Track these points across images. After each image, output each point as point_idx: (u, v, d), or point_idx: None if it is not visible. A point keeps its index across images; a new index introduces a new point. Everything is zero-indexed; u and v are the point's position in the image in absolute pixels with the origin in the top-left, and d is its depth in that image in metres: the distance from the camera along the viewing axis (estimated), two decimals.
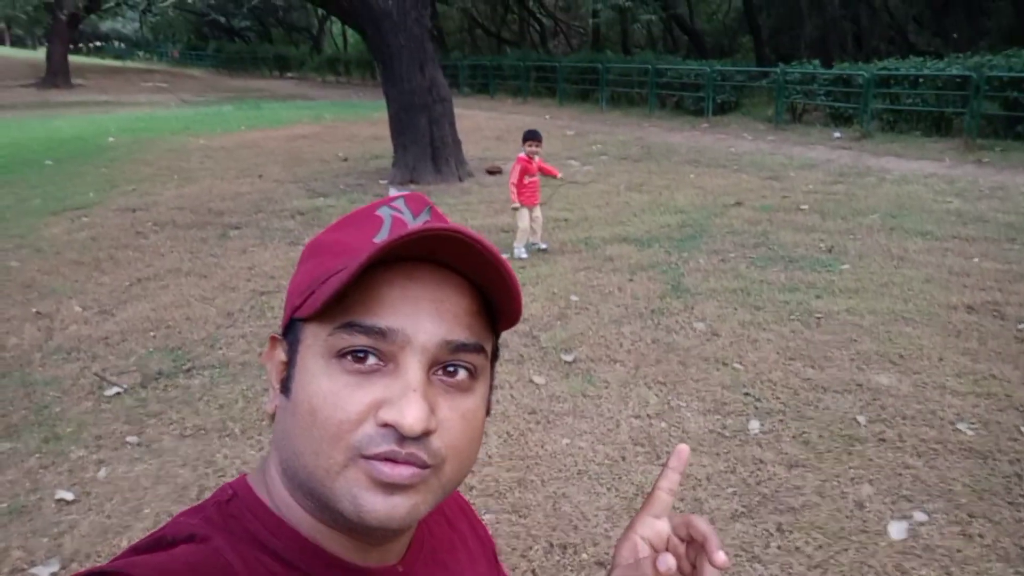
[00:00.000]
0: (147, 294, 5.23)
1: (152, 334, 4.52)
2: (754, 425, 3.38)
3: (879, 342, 4.21)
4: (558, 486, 2.97)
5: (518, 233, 6.03)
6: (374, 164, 10.62)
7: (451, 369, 0.55)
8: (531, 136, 6.03)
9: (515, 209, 6.07)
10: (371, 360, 0.53)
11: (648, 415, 3.48)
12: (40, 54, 34.99)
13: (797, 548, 2.58)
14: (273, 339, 0.63)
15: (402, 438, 0.51)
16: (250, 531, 0.58)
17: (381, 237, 0.58)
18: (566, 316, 4.70)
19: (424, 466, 0.53)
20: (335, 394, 0.53)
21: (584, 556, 2.57)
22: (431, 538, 0.71)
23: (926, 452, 3.15)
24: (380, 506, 0.53)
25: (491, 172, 9.93)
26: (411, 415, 0.51)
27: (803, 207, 7.50)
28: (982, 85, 11.08)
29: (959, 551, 2.56)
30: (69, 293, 5.27)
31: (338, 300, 0.53)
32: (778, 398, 3.61)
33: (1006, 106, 11.21)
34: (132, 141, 13.32)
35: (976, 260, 5.62)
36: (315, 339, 0.55)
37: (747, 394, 3.66)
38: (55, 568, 2.51)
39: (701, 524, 0.62)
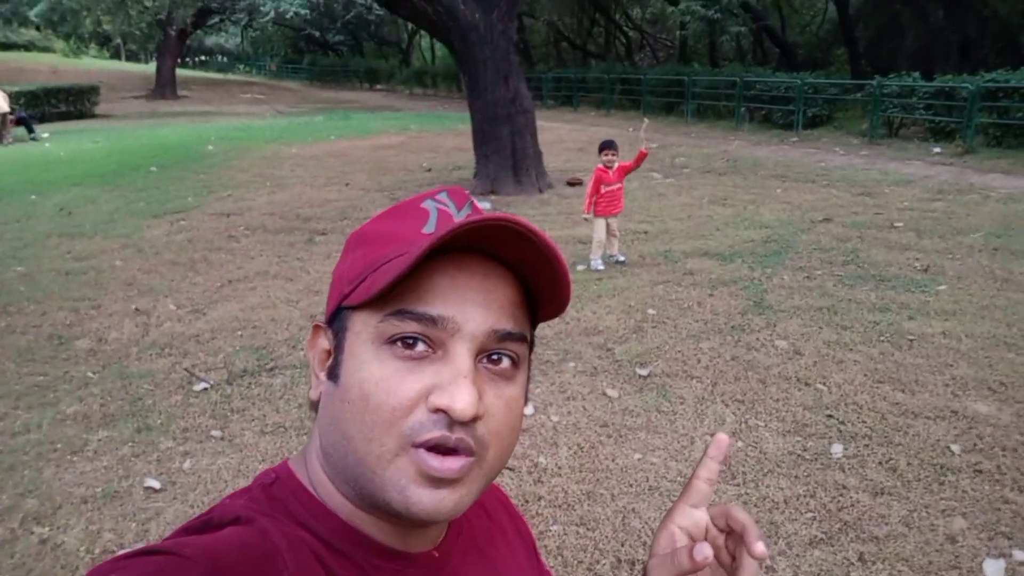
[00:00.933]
0: (236, 295, 5.46)
1: (239, 333, 4.71)
2: (837, 449, 3.23)
3: (977, 368, 3.96)
4: (628, 501, 2.91)
5: (593, 244, 5.99)
6: (456, 175, 10.78)
7: (495, 357, 0.57)
8: (606, 146, 5.99)
9: (587, 220, 6.04)
10: (420, 347, 0.54)
11: (725, 433, 3.38)
12: (151, 68, 37.26)
13: None
14: (317, 327, 0.64)
15: (452, 423, 0.53)
16: (292, 513, 0.59)
17: (429, 228, 0.60)
18: (642, 330, 4.63)
19: (471, 453, 0.54)
20: (387, 379, 0.54)
21: None
22: (468, 525, 0.71)
23: None
24: (427, 499, 0.54)
25: (571, 184, 9.92)
26: (462, 400, 0.52)
27: (897, 224, 7.16)
28: None
29: None
30: (165, 292, 5.56)
31: (389, 288, 0.54)
32: (864, 422, 3.44)
33: None
34: (229, 149, 13.99)
35: None
36: (364, 326, 0.56)
37: (830, 416, 3.50)
38: None
39: (740, 514, 0.61)
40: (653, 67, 25.43)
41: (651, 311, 4.93)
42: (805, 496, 2.91)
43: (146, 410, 3.72)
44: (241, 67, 55.09)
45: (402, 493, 0.54)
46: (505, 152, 9.54)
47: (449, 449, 0.53)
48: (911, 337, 4.38)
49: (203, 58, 62.53)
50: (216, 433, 3.47)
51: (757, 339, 4.43)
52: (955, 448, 3.21)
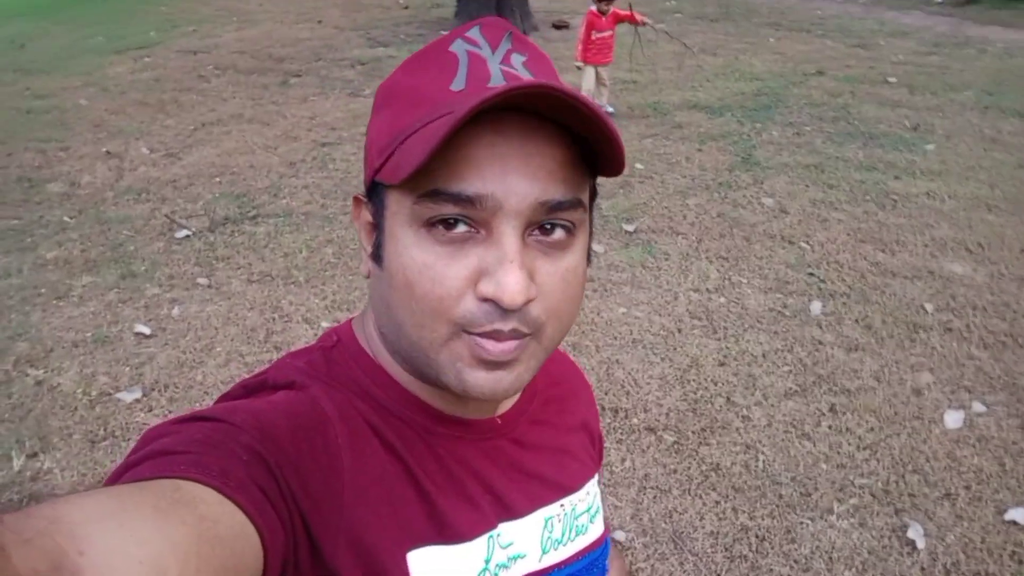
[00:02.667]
0: (211, 139, 5.27)
1: (217, 179, 4.58)
2: (816, 306, 3.32)
3: (958, 229, 4.02)
4: (612, 352, 3.01)
5: (581, 94, 5.78)
6: (435, 13, 10.18)
7: (547, 227, 0.52)
8: None
9: (578, 68, 5.79)
10: (461, 227, 0.50)
11: (707, 289, 3.45)
12: None
13: (848, 429, 2.60)
14: (357, 200, 0.60)
15: (504, 312, 0.50)
16: (352, 379, 0.59)
17: (458, 84, 0.53)
18: (629, 184, 4.59)
19: (526, 334, 0.52)
20: (430, 267, 0.51)
21: (635, 421, 2.64)
22: (544, 392, 0.71)
23: (994, 344, 3.07)
24: (484, 381, 0.53)
25: (557, 27, 9.43)
26: (510, 287, 0.49)
27: (891, 79, 6.99)
28: None
29: (1015, 443, 2.55)
30: (136, 134, 5.34)
31: (414, 173, 0.49)
32: (844, 280, 3.53)
33: None
34: None
35: None
36: (400, 207, 0.52)
37: (811, 274, 3.58)
38: (138, 395, 2.70)
39: None
40: None
41: (639, 165, 4.87)
42: (783, 351, 3.02)
43: (128, 256, 3.68)
44: None
45: (458, 376, 0.53)
46: None
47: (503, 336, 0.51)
48: (895, 197, 4.41)
49: None
50: (202, 281, 3.46)
51: (744, 196, 4.42)
52: (929, 307, 3.32)
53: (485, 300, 0.50)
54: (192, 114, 5.80)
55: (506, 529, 0.62)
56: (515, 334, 0.51)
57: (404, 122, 0.53)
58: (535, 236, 0.52)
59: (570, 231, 0.53)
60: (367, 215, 0.58)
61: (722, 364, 2.94)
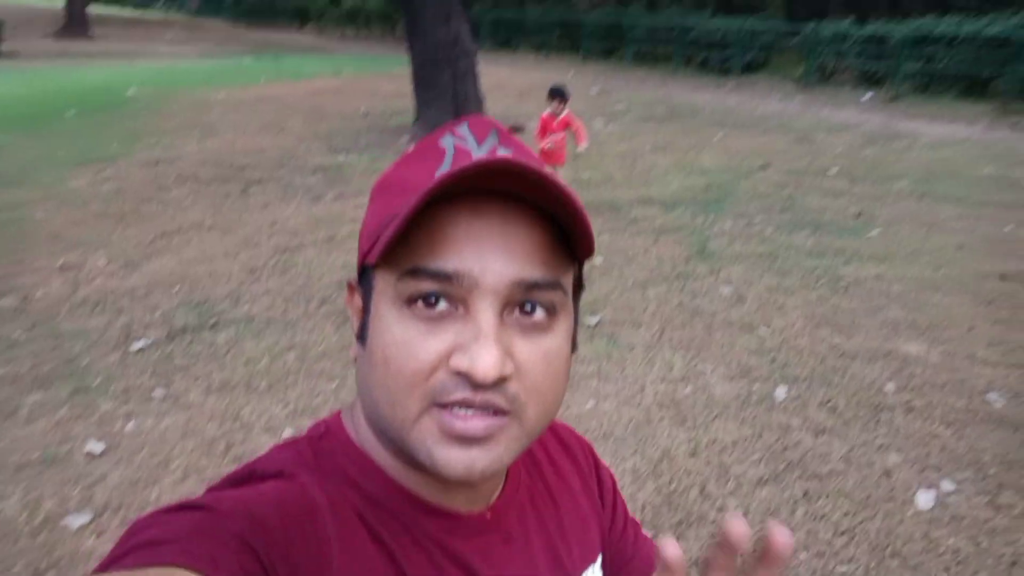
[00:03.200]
0: (171, 248, 5.25)
1: (177, 288, 4.54)
2: (781, 391, 3.35)
3: (908, 310, 4.14)
4: None
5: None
6: (395, 120, 10.52)
7: (527, 308, 0.52)
8: (556, 94, 5.89)
9: None
10: (442, 305, 0.51)
11: (673, 379, 3.46)
12: (58, 2, 34.77)
13: (824, 515, 2.57)
14: (350, 285, 0.62)
15: (476, 385, 0.50)
16: (339, 469, 0.58)
17: (443, 170, 0.55)
18: (590, 278, 4.63)
19: (503, 413, 0.51)
20: (407, 343, 0.51)
21: None
22: (529, 482, 0.69)
23: (955, 422, 3.11)
24: (455, 459, 0.51)
25: (514, 130, 9.80)
26: (483, 362, 0.49)
27: (832, 171, 7.35)
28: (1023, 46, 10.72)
29: (987, 521, 2.54)
30: (95, 246, 5.30)
31: (403, 244, 0.51)
32: (805, 364, 3.58)
33: None
34: (154, 93, 13.27)
35: (1010, 228, 5.50)
36: (385, 285, 0.54)
37: (773, 360, 3.62)
38: (86, 519, 2.55)
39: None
40: (591, 10, 25.11)
41: (597, 259, 4.96)
42: (752, 438, 3.02)
43: (82, 370, 3.57)
44: (160, 4, 52.02)
45: (429, 454, 0.52)
46: (446, 97, 9.32)
47: (475, 409, 0.51)
48: (847, 281, 4.54)
49: None
50: (159, 392, 3.37)
51: (702, 286, 4.52)
52: (889, 387, 3.37)
53: (458, 374, 0.50)
54: (152, 224, 5.79)
55: None
56: (487, 405, 0.51)
57: (392, 208, 0.55)
58: (515, 316, 0.52)
59: (551, 312, 0.54)
60: (358, 300, 0.59)
61: (693, 454, 2.92)
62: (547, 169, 0.51)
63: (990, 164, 7.57)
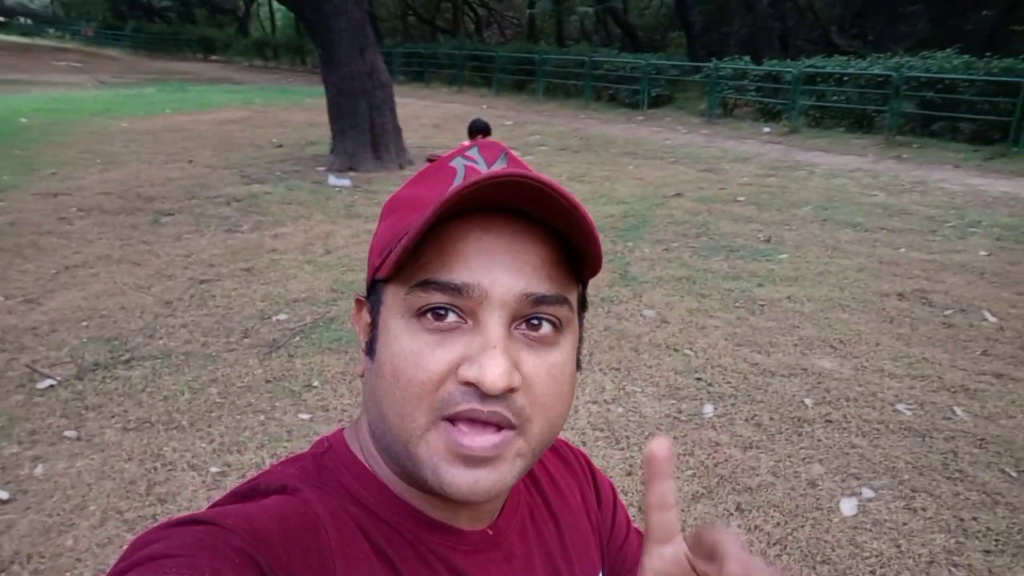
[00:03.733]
0: (76, 282, 4.97)
1: (85, 324, 4.29)
2: (708, 409, 3.45)
3: (820, 328, 4.37)
4: None
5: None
6: (310, 150, 10.37)
7: (534, 323, 0.54)
8: (480, 129, 5.96)
9: None
10: (451, 317, 0.52)
11: (605, 400, 3.52)
12: None
13: (757, 527, 2.65)
14: (359, 301, 0.62)
15: (484, 396, 0.50)
16: (342, 484, 0.58)
17: (454, 188, 0.55)
18: None
19: (509, 426, 0.52)
20: (416, 354, 0.52)
21: None
22: (530, 499, 0.69)
23: (869, 432, 3.29)
24: (462, 479, 0.51)
25: (431, 160, 9.75)
26: (491, 372, 0.49)
27: (740, 198, 7.71)
28: (901, 84, 11.61)
29: (905, 524, 2.69)
30: None
31: (414, 257, 0.52)
32: (729, 382, 3.71)
33: (923, 105, 11.78)
34: (48, 122, 12.62)
35: (903, 250, 5.90)
36: (395, 299, 0.54)
37: (699, 379, 3.74)
38: None
39: (712, 534, 0.48)
40: (502, 44, 25.62)
41: None
42: (684, 455, 3.09)
43: None
44: (52, 31, 49.70)
45: (435, 472, 0.52)
46: (363, 127, 9.28)
47: (483, 423, 0.51)
48: (762, 303, 4.76)
49: (1, 20, 55.69)
50: (70, 433, 3.16)
51: (626, 309, 4.63)
52: (808, 401, 3.53)
53: (466, 384, 0.51)
54: (54, 257, 5.47)
55: None
56: (495, 418, 0.51)
57: (404, 223, 0.55)
58: (522, 329, 0.53)
59: (557, 328, 0.55)
60: (366, 316, 0.59)
61: (629, 474, 2.96)
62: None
63: (881, 192, 8.12)
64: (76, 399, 3.44)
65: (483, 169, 0.58)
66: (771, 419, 3.37)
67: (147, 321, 4.33)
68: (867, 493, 2.87)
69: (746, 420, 3.37)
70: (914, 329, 4.37)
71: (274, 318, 4.42)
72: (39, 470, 2.91)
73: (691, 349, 4.07)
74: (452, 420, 0.51)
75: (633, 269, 5.41)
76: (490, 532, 0.62)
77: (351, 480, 0.58)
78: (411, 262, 0.52)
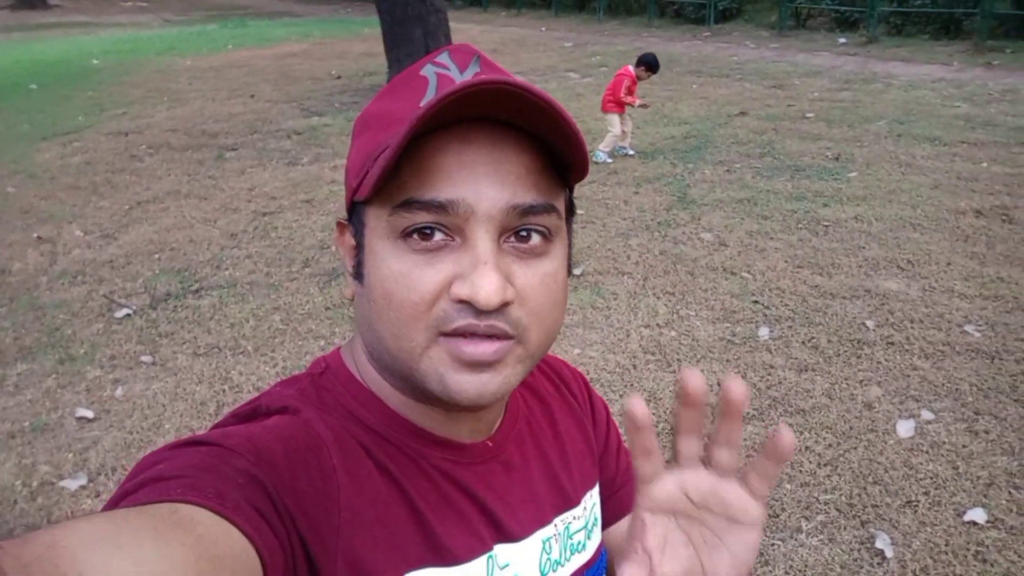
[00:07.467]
0: (148, 217, 5.18)
1: (157, 256, 4.49)
2: (763, 332, 3.40)
3: (887, 248, 4.20)
4: None
5: (607, 138, 6.10)
6: (368, 81, 10.35)
7: (523, 234, 0.53)
8: (650, 64, 6.27)
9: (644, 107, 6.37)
10: (438, 236, 0.51)
11: (658, 324, 3.50)
12: None
13: (807, 447, 2.64)
14: (340, 224, 0.61)
15: (479, 312, 0.50)
16: (342, 404, 0.59)
17: (427, 100, 0.54)
18: (572, 230, 4.66)
19: (507, 337, 0.52)
20: (406, 275, 0.51)
21: None
22: (527, 412, 0.70)
23: (934, 354, 3.18)
24: (468, 384, 0.52)
25: None
26: (485, 289, 0.49)
27: (808, 115, 7.35)
28: None
29: (965, 447, 2.62)
30: (69, 218, 5.22)
31: (393, 177, 0.51)
32: (787, 305, 3.63)
33: (1019, 5, 10.82)
34: (117, 63, 12.94)
35: (985, 165, 5.55)
36: (377, 221, 0.53)
37: (756, 302, 3.67)
38: (83, 481, 2.57)
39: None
40: None
41: (580, 211, 4.95)
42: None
43: (66, 340, 3.55)
44: None
45: (441, 382, 0.52)
46: (418, 55, 9.13)
47: (481, 336, 0.51)
48: (826, 223, 4.59)
49: None
50: (146, 359, 3.36)
51: (683, 233, 4.54)
52: (869, 324, 3.43)
53: (460, 302, 0.50)
54: (126, 194, 5.71)
55: (503, 551, 0.61)
56: (492, 331, 0.51)
57: (377, 142, 0.54)
58: (511, 243, 0.53)
59: (546, 237, 0.54)
60: (349, 238, 0.59)
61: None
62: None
63: (964, 103, 7.61)
64: (150, 327, 3.64)
65: (456, 77, 0.56)
66: (829, 342, 3.30)
67: (214, 253, 4.50)
68: (926, 415, 2.80)
69: (803, 343, 3.30)
70: (990, 248, 4.15)
71: (333, 247, 4.52)
72: (119, 392, 3.12)
73: (749, 272, 3.98)
74: (449, 336, 0.52)
75: (692, 191, 5.27)
76: (490, 444, 0.64)
77: (350, 399, 0.59)
78: (390, 182, 0.51)
